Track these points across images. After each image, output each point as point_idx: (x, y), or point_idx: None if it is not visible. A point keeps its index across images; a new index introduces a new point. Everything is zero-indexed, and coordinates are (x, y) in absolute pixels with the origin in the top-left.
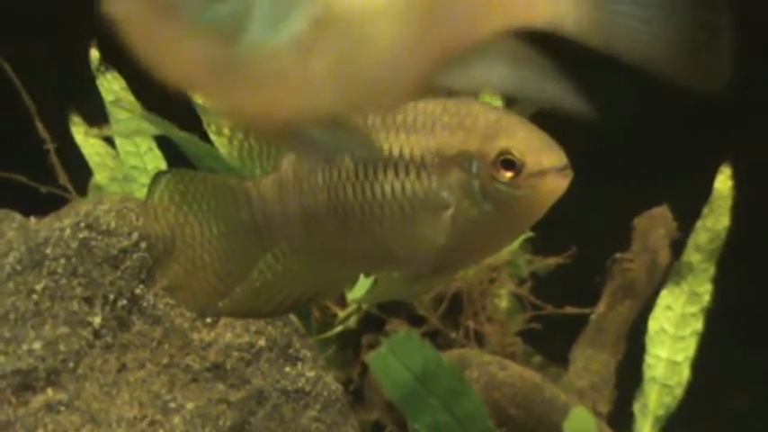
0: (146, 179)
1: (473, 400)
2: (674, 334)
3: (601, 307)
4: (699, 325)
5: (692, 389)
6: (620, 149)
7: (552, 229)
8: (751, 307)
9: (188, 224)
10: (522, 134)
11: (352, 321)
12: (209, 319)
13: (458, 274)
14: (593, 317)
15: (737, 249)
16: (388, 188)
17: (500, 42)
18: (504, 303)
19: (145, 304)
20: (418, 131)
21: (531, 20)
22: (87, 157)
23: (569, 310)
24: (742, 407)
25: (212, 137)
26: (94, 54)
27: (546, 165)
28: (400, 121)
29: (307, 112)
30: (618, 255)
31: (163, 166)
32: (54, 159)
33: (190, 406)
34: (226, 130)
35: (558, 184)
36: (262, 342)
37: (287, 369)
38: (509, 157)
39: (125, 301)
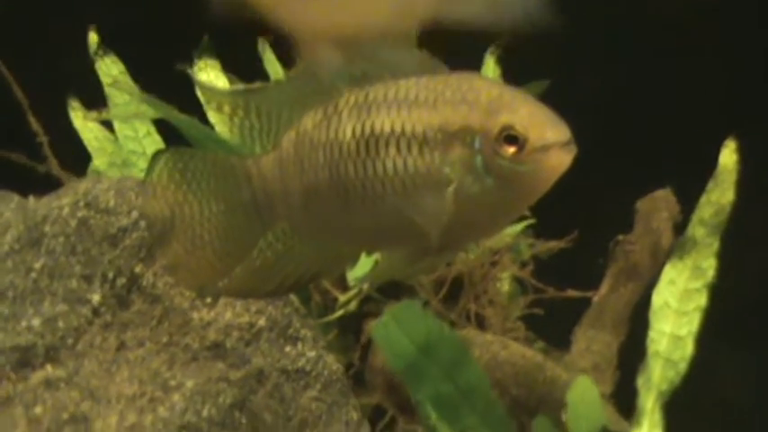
0: (144, 164)
1: (475, 371)
2: (677, 309)
3: (603, 289)
4: (703, 300)
5: (696, 364)
6: (623, 131)
7: (554, 213)
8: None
9: (187, 203)
10: (525, 109)
11: (353, 305)
12: (208, 299)
13: (459, 257)
14: (595, 299)
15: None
16: (389, 165)
17: None
18: (505, 287)
19: (144, 283)
20: (420, 107)
21: None
22: (86, 142)
23: (571, 293)
24: (744, 386)
25: (211, 116)
26: (93, 38)
27: (549, 140)
28: (402, 97)
29: (372, 27)
30: (620, 237)
31: None
32: (48, 151)
33: (190, 384)
34: (226, 108)
35: (561, 160)
36: (262, 322)
37: (287, 349)
38: (512, 132)
39: (124, 280)
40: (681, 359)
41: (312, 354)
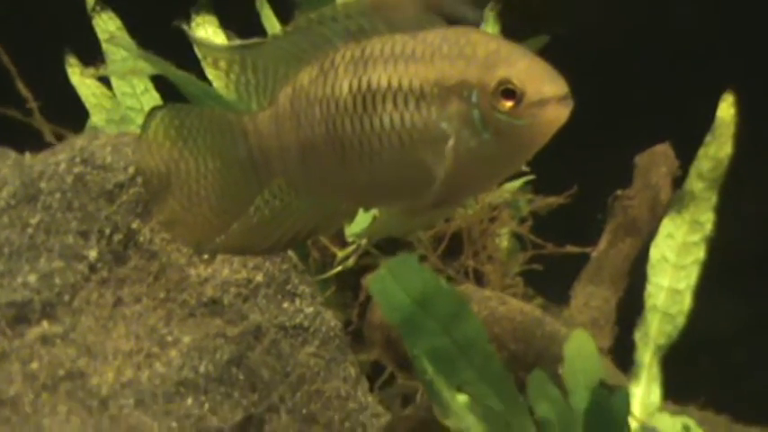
0: (142, 120)
1: (473, 325)
2: (675, 262)
3: (602, 244)
4: (701, 254)
5: (694, 318)
6: (620, 87)
7: (553, 168)
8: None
9: (183, 159)
10: (522, 63)
11: (351, 261)
12: (205, 255)
13: (458, 213)
14: (594, 254)
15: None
16: (386, 120)
17: None
18: (504, 243)
19: (141, 239)
20: (417, 61)
21: None
22: (83, 99)
23: (570, 248)
24: (742, 340)
25: (209, 72)
26: None
27: (547, 94)
28: (399, 52)
29: None
30: (619, 192)
31: None
32: (43, 110)
33: (186, 340)
34: (222, 64)
35: (559, 114)
36: (259, 278)
37: (285, 305)
38: (509, 86)
39: (121, 236)
40: (679, 313)
41: (310, 310)
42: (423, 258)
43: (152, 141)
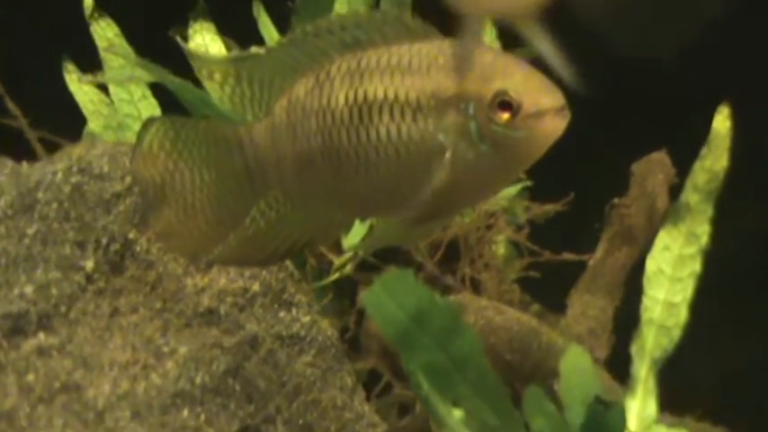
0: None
1: (468, 340)
2: (671, 275)
3: (599, 253)
4: (697, 266)
5: (690, 331)
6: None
7: (550, 176)
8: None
9: (179, 171)
10: (518, 75)
11: (348, 268)
12: (202, 264)
13: (454, 221)
14: (590, 263)
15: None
16: (383, 131)
17: None
18: (501, 250)
19: (138, 249)
20: (413, 73)
21: None
22: (81, 105)
23: (567, 256)
24: (740, 350)
25: (204, 83)
26: (88, 1)
27: (543, 106)
28: (395, 63)
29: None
30: (616, 200)
31: (157, 113)
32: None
33: (183, 350)
34: (217, 76)
35: (555, 126)
36: (256, 287)
37: (281, 314)
38: (506, 98)
39: (118, 246)
40: (675, 326)
41: (306, 319)
42: (419, 267)
43: (146, 153)
